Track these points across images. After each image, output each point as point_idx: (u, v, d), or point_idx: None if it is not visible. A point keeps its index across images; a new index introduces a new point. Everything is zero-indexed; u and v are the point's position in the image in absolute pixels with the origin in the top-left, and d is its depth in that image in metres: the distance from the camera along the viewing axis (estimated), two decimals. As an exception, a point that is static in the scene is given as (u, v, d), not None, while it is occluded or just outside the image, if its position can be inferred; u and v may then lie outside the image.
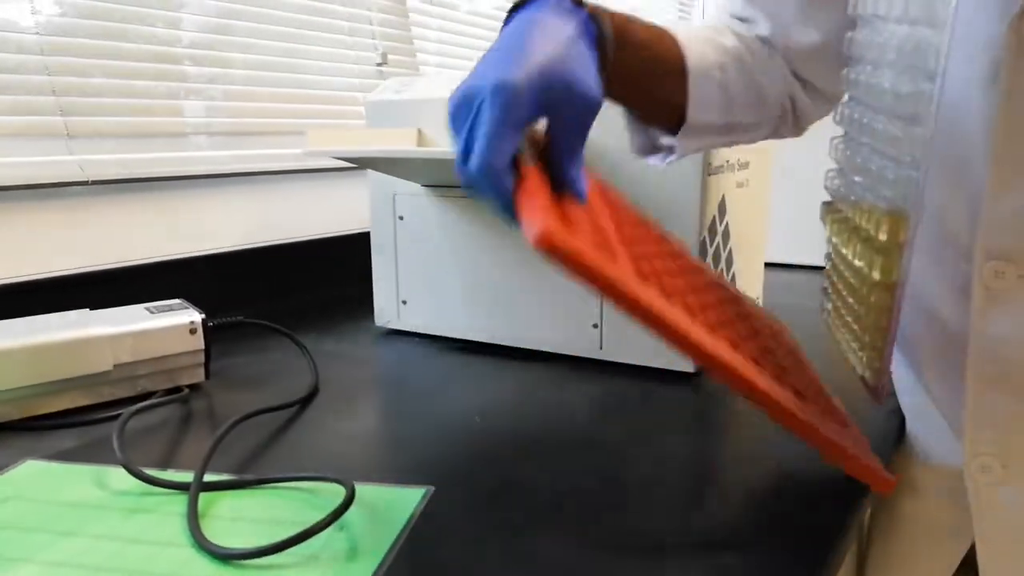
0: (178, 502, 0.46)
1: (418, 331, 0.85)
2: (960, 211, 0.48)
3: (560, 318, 0.75)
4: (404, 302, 0.85)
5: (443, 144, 0.78)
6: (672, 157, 0.56)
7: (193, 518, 0.43)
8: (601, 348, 0.73)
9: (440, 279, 0.81)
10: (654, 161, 0.58)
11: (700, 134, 0.55)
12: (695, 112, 0.53)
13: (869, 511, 0.65)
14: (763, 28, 0.58)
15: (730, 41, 0.57)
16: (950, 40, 0.41)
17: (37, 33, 0.80)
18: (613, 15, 0.48)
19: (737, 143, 0.61)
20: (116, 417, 0.60)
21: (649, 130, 0.57)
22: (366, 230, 0.87)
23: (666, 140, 0.56)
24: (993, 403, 0.49)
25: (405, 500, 0.47)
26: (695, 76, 0.53)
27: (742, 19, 0.60)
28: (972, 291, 0.47)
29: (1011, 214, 0.44)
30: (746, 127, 0.58)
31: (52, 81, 0.81)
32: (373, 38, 1.21)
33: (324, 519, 0.41)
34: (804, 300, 1.03)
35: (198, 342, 0.67)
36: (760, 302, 0.91)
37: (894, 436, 0.60)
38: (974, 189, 0.46)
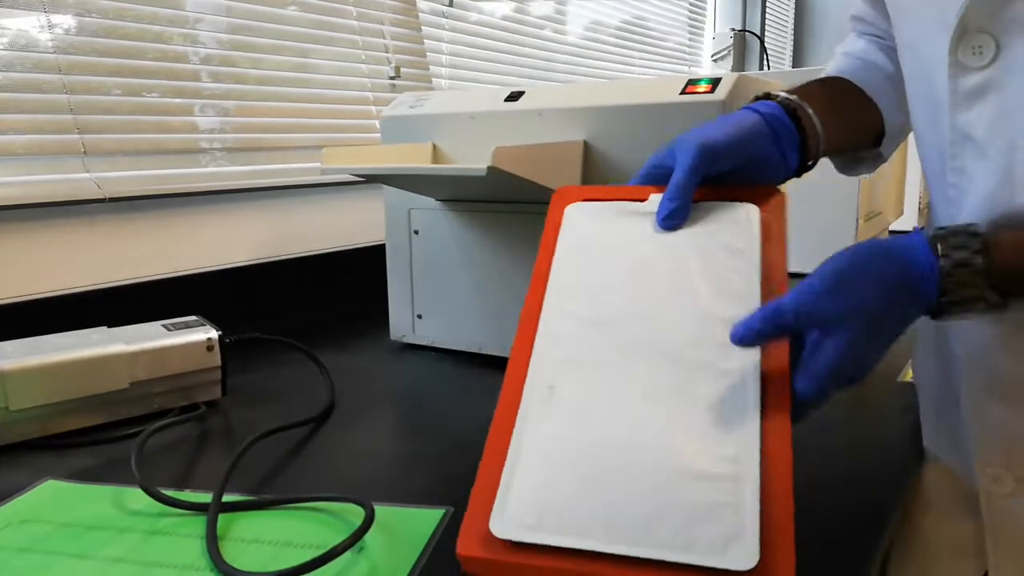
0: (196, 524, 0.46)
1: (433, 345, 0.85)
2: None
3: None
4: (419, 316, 0.85)
5: (458, 159, 0.78)
6: (880, 163, 0.65)
7: (213, 542, 0.43)
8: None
9: (455, 293, 0.81)
10: (862, 172, 0.67)
11: (897, 136, 0.63)
12: (891, 123, 0.62)
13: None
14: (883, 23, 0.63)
15: (877, 56, 0.64)
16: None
17: (56, 52, 0.81)
18: (811, 103, 0.55)
19: None
20: (134, 435, 0.60)
21: (852, 151, 0.65)
22: (381, 242, 0.87)
23: (870, 152, 0.64)
24: (994, 414, 0.48)
25: (424, 521, 0.46)
26: (879, 98, 0.61)
27: (862, 19, 0.66)
28: None
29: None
30: None
31: (70, 100, 0.82)
32: (386, 51, 1.22)
33: (343, 542, 0.41)
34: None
35: (215, 359, 0.67)
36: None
37: (913, 452, 0.59)
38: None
